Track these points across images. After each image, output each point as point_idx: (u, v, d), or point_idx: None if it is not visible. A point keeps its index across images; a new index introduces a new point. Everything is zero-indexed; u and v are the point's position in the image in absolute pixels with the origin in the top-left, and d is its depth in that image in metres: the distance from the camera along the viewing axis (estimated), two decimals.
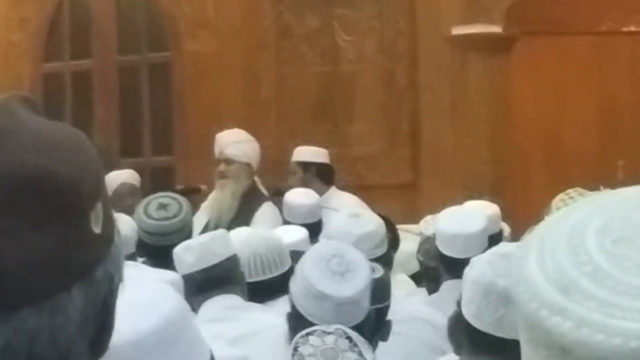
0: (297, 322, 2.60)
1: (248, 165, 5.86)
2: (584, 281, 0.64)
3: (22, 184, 0.86)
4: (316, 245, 3.02)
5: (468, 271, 2.18)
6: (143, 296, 1.57)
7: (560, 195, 4.40)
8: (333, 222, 4.11)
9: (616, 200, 0.69)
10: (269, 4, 8.78)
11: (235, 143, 5.88)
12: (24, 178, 0.87)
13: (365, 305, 2.64)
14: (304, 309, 2.61)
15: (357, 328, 2.49)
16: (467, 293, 2.14)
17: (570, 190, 4.41)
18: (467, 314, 2.12)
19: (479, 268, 2.13)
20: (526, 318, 0.67)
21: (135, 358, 1.49)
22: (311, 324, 2.50)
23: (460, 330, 2.15)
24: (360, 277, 2.62)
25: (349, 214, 4.02)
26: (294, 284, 2.70)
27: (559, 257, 0.66)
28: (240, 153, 5.83)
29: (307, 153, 6.41)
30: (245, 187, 5.81)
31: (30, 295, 0.87)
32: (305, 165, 6.25)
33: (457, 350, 2.18)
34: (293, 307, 2.65)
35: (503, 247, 2.23)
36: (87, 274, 0.91)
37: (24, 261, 0.86)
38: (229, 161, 5.84)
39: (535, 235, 0.70)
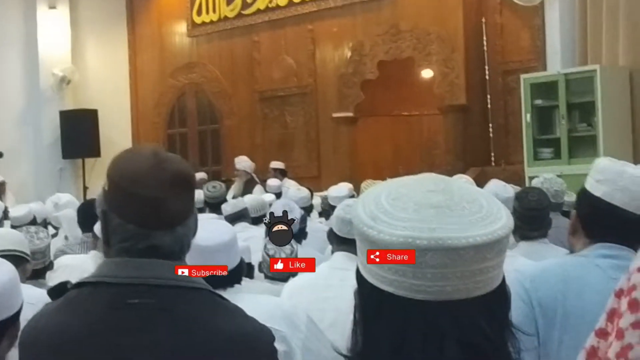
0: None
1: (245, 172, 10.50)
2: (379, 215, 1.23)
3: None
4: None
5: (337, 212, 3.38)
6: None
7: (366, 182, 6.82)
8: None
9: (397, 182, 1.30)
10: None
11: (239, 162, 10.58)
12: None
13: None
14: None
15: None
16: (335, 220, 3.40)
17: (369, 180, 6.90)
18: (336, 229, 3.38)
19: (341, 210, 3.40)
20: (357, 231, 1.24)
21: None
22: None
23: (331, 236, 3.45)
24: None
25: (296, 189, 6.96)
26: None
27: (369, 205, 1.26)
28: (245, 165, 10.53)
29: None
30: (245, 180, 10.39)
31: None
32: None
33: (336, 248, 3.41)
34: None
35: (349, 201, 3.62)
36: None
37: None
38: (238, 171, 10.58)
39: (362, 196, 1.31)
